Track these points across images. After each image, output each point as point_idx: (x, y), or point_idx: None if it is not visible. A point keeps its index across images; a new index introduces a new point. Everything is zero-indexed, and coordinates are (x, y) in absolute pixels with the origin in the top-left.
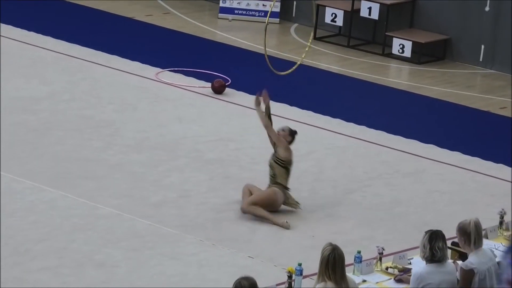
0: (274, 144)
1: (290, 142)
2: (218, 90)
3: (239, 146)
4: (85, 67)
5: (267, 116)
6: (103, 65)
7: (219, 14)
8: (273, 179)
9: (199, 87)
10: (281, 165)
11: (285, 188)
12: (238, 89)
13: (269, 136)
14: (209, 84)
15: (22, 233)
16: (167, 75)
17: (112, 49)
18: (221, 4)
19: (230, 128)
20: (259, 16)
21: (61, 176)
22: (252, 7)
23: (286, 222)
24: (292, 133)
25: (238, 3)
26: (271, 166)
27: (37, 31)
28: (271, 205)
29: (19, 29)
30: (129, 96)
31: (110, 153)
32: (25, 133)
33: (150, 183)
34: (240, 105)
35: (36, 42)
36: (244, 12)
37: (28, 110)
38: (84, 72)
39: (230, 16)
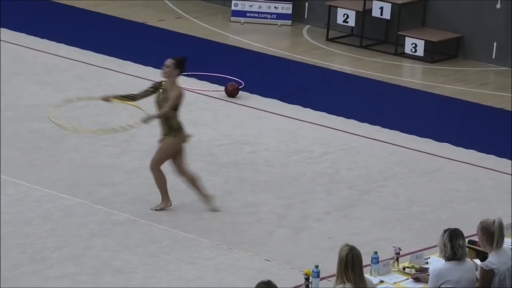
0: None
1: (180, 74)
2: (231, 93)
3: (254, 149)
4: (99, 73)
5: (128, 99)
6: (116, 71)
7: (231, 17)
8: (167, 122)
9: (212, 90)
10: (173, 109)
11: (179, 129)
12: (251, 92)
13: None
14: (223, 88)
15: (39, 241)
16: (181, 80)
17: (125, 55)
18: (233, 8)
19: (245, 131)
20: (271, 18)
21: (77, 183)
22: (264, 9)
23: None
24: (180, 63)
25: (250, 6)
26: (160, 105)
27: (50, 39)
28: (173, 154)
29: (32, 37)
30: (143, 101)
31: (126, 159)
32: (40, 141)
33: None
34: (254, 108)
35: (49, 49)
36: (256, 15)
37: (43, 117)
38: (98, 78)
39: (242, 19)
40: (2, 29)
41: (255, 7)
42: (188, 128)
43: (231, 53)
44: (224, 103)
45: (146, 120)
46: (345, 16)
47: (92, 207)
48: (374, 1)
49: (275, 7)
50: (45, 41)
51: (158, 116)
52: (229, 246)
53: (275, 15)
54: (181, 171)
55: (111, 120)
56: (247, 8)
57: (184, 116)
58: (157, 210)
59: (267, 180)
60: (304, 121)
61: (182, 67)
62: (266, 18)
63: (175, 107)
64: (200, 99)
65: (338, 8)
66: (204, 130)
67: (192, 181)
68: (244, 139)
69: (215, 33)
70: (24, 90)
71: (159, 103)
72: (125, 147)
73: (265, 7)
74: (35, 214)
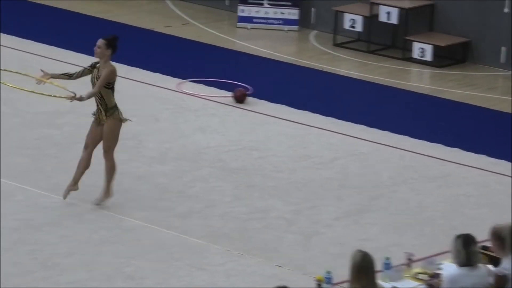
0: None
1: (113, 53)
2: (239, 99)
3: (262, 154)
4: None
5: (60, 76)
6: (124, 77)
7: (237, 23)
8: (102, 101)
9: (220, 96)
10: (107, 87)
11: (115, 107)
12: (259, 98)
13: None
14: (231, 94)
15: (50, 247)
16: (188, 86)
17: (132, 61)
18: (239, 13)
19: (253, 136)
20: (277, 24)
21: (87, 190)
22: (271, 15)
23: None
24: (111, 43)
25: (257, 11)
26: (94, 84)
27: (57, 45)
28: (118, 135)
29: (38, 43)
30: (151, 108)
31: (134, 165)
32: (49, 147)
33: (175, 194)
34: (262, 113)
35: (56, 56)
36: (262, 21)
37: (51, 124)
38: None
39: (248, 25)
40: (8, 35)
41: (262, 12)
42: (196, 134)
43: (238, 58)
44: (232, 109)
45: (80, 99)
46: (352, 21)
47: (102, 213)
48: (381, 6)
49: (281, 13)
50: (52, 47)
51: (89, 96)
52: (240, 252)
53: (281, 21)
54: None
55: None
56: (253, 14)
57: (192, 122)
58: (98, 205)
59: (275, 185)
60: (312, 126)
61: (113, 46)
62: (272, 23)
63: (108, 85)
64: (208, 105)
65: (345, 13)
66: (212, 136)
67: (111, 168)
68: (252, 145)
69: (221, 39)
70: (32, 97)
71: (93, 82)
72: (134, 153)
73: (272, 13)
74: (45, 221)
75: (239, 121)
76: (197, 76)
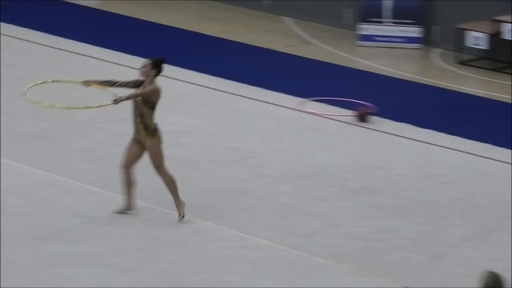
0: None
1: (157, 74)
2: (362, 117)
3: (386, 174)
4: (230, 99)
5: (109, 84)
6: (246, 97)
7: (359, 42)
8: (143, 120)
9: (342, 115)
10: (150, 107)
11: (155, 129)
12: (382, 116)
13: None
14: (353, 112)
15: (178, 266)
16: (310, 105)
17: (254, 81)
18: (360, 32)
19: (376, 155)
20: (399, 42)
21: (212, 209)
22: (393, 33)
23: None
24: (157, 64)
25: (378, 30)
26: (138, 103)
27: (183, 66)
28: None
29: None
30: (274, 127)
31: (258, 184)
32: (174, 167)
33: (299, 213)
34: (385, 132)
35: (182, 76)
36: (384, 39)
37: (176, 143)
38: (229, 104)
39: (370, 44)
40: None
41: (383, 31)
42: (318, 153)
43: (360, 77)
44: (355, 128)
45: (117, 100)
46: (475, 38)
47: (228, 232)
48: (504, 23)
49: (404, 31)
50: (178, 68)
51: (128, 98)
52: (365, 272)
53: (404, 39)
54: (130, 166)
55: (242, 146)
56: (375, 33)
57: (314, 141)
58: (181, 218)
59: (400, 205)
60: (437, 145)
61: (159, 67)
62: (394, 42)
63: (152, 105)
64: (330, 124)
65: (468, 31)
66: (335, 155)
67: (130, 183)
68: (376, 164)
69: (343, 58)
70: (157, 117)
71: (134, 99)
72: (258, 172)
73: (394, 31)
74: (172, 239)
75: (362, 140)
76: (318, 95)
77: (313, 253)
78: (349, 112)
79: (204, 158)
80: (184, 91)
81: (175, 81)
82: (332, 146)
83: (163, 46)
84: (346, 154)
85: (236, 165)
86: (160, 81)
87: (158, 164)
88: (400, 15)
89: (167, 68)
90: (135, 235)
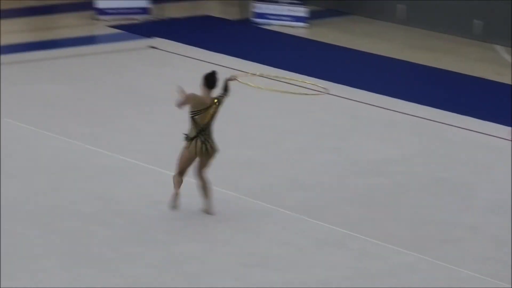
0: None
1: (206, 86)
2: None
3: None
4: (436, 128)
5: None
6: (453, 126)
7: None
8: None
9: None
10: (190, 114)
11: (191, 138)
12: None
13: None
14: None
15: None
16: None
17: (464, 110)
18: None
19: None
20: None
21: (419, 239)
22: None
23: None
24: (204, 78)
25: None
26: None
27: (389, 94)
28: (190, 160)
29: (371, 93)
30: (483, 157)
31: (466, 215)
32: (381, 196)
33: (510, 247)
34: None
35: (387, 105)
36: None
37: (383, 172)
38: (435, 133)
39: None
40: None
41: None
42: None
43: None
44: None
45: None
46: None
47: (435, 263)
48: None
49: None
50: (385, 97)
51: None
52: None
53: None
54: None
55: (451, 177)
56: None
57: None
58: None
59: None
60: None
61: (205, 80)
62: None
63: (190, 113)
64: None
65: None
66: None
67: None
68: None
69: None
70: (363, 145)
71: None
72: (465, 203)
73: None
74: (377, 270)
75: None
76: None
77: None
78: None
79: (411, 188)
80: (390, 120)
81: (382, 110)
82: None
83: (379, 76)
84: None
85: (444, 195)
86: (364, 109)
87: (179, 170)
88: None
89: (371, 96)
90: (340, 265)
